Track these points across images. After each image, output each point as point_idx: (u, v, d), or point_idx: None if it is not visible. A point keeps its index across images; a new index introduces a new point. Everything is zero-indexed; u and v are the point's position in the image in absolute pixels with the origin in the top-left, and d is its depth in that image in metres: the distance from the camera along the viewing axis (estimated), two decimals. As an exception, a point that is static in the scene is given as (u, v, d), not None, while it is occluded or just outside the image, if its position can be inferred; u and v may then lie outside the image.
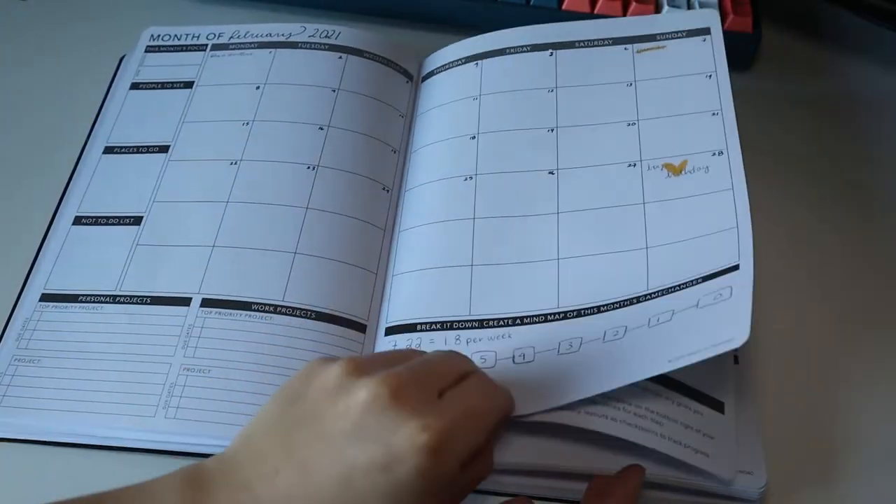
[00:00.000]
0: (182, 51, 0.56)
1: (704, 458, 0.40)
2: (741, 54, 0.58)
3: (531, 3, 0.57)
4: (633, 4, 0.57)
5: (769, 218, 0.52)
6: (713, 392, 0.42)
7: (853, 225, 0.52)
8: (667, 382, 0.41)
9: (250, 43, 0.55)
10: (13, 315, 0.45)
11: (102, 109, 0.54)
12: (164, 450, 0.42)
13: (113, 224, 0.48)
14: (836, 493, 0.42)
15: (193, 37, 0.56)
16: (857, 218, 0.52)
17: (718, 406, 0.42)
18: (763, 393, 0.44)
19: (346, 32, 0.55)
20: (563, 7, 0.57)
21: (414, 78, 0.56)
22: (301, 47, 0.55)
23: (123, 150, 0.51)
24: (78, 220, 0.49)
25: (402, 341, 0.44)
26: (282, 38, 0.55)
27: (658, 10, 0.57)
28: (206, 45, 0.56)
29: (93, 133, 0.53)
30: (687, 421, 0.41)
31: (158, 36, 0.56)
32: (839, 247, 0.51)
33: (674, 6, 0.57)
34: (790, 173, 0.54)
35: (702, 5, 0.57)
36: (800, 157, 0.55)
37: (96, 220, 0.49)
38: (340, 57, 0.54)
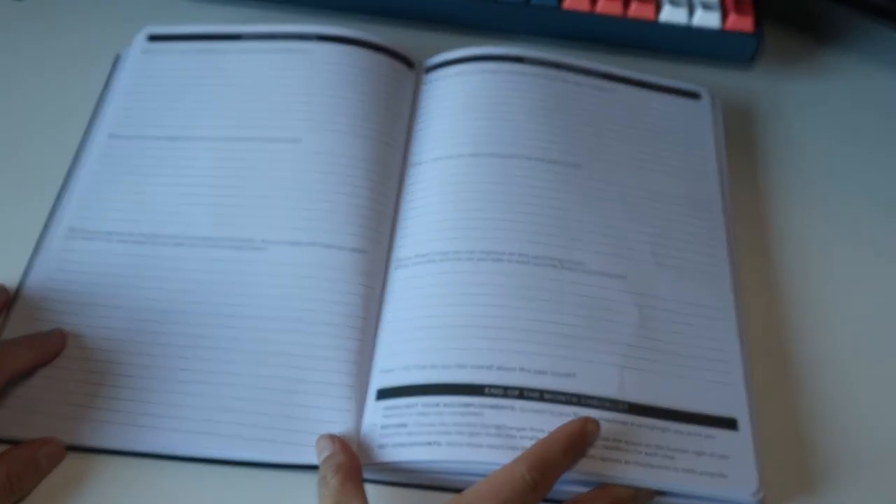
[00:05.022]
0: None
1: (723, 480, 0.40)
2: (742, 54, 0.58)
3: (531, 2, 0.57)
4: (634, 4, 0.57)
5: (757, 216, 0.52)
6: (723, 410, 0.42)
7: (850, 222, 0.52)
8: (673, 416, 0.42)
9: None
10: None
11: (100, 105, 0.53)
12: None
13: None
14: (833, 497, 0.42)
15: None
16: (854, 217, 0.52)
17: (731, 423, 0.42)
18: (756, 396, 0.44)
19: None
20: (564, 6, 0.57)
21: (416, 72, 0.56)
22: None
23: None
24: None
25: None
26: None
27: (659, 9, 0.57)
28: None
29: (93, 125, 0.53)
30: (700, 448, 0.41)
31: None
32: (840, 243, 0.51)
33: (674, 5, 0.57)
34: (789, 173, 0.54)
35: (702, 5, 0.57)
36: (799, 156, 0.55)
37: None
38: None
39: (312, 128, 0.51)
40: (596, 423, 0.40)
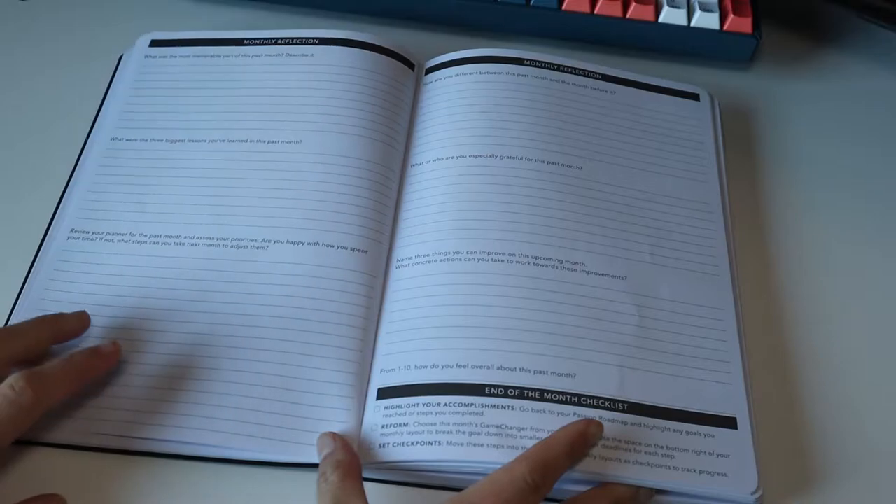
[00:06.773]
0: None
1: (723, 479, 0.40)
2: (741, 55, 0.58)
3: (531, 3, 0.57)
4: (633, 5, 0.57)
5: (756, 216, 0.52)
6: (723, 409, 0.42)
7: (849, 222, 0.52)
8: (673, 415, 0.42)
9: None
10: None
11: (103, 107, 0.54)
12: None
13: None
14: (832, 496, 0.42)
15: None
16: (853, 216, 0.52)
17: (730, 423, 0.42)
18: (756, 396, 0.44)
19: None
20: (564, 7, 0.57)
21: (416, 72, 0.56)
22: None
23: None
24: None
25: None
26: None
27: (658, 10, 0.57)
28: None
29: (95, 127, 0.53)
30: (699, 447, 0.41)
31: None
32: (839, 242, 0.51)
33: (673, 6, 0.57)
34: (788, 173, 0.54)
35: (701, 6, 0.57)
36: (798, 156, 0.55)
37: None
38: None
39: (313, 129, 0.51)
40: (599, 425, 0.40)
